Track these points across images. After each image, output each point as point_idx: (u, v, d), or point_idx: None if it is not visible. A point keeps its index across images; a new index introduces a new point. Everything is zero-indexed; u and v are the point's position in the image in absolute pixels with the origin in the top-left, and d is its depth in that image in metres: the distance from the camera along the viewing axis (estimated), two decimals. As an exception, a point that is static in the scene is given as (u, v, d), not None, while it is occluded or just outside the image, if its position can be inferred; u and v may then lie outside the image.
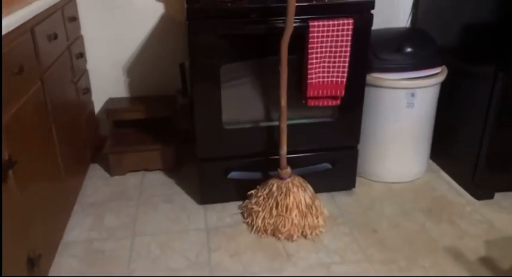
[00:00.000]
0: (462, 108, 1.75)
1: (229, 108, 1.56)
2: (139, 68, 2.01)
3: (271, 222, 1.53)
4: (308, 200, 1.55)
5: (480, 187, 1.72)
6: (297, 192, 1.54)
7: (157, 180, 1.87)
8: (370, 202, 1.71)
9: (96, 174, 1.90)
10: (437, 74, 1.71)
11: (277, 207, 1.53)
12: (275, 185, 1.55)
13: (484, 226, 1.57)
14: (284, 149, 1.53)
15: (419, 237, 1.52)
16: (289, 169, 1.56)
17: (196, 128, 1.56)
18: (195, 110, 1.53)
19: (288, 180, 1.55)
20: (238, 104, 1.59)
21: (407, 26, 2.06)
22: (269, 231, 1.53)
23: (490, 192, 1.72)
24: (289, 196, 1.52)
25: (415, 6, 2.03)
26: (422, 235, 1.53)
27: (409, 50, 1.69)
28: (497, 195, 1.72)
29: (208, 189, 1.67)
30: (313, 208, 1.55)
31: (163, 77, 2.03)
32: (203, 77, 1.49)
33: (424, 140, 1.82)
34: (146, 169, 1.92)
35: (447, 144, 1.86)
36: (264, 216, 1.54)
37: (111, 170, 1.88)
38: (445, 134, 1.85)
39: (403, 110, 1.71)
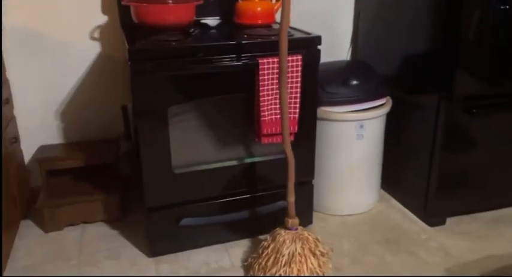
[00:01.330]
0: (409, 137, 1.78)
1: (178, 151, 1.46)
2: (75, 111, 1.86)
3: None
4: (311, 264, 1.40)
5: (432, 214, 1.74)
6: (302, 248, 1.41)
7: (100, 233, 1.70)
8: (328, 238, 1.66)
9: (28, 232, 1.70)
10: (382, 105, 1.75)
11: (277, 261, 1.40)
12: (286, 239, 1.42)
13: (441, 253, 1.57)
14: (292, 197, 1.45)
15: (381, 271, 1.49)
16: (297, 220, 1.46)
17: (143, 174, 1.44)
18: (141, 155, 1.42)
19: (295, 231, 1.44)
20: (188, 145, 1.50)
21: (348, 58, 2.10)
22: None
23: (442, 219, 1.74)
24: (293, 249, 1.40)
25: (354, 38, 2.08)
26: (383, 268, 1.50)
27: (354, 82, 1.71)
28: (449, 220, 1.75)
29: (158, 240, 1.54)
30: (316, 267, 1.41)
31: (103, 121, 1.88)
32: (149, 119, 1.39)
33: (375, 171, 1.83)
34: (85, 222, 1.74)
35: (397, 174, 1.88)
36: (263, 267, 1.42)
37: (45, 226, 1.68)
38: (394, 164, 1.87)
39: (354, 142, 1.71)
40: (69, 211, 1.69)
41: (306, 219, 1.71)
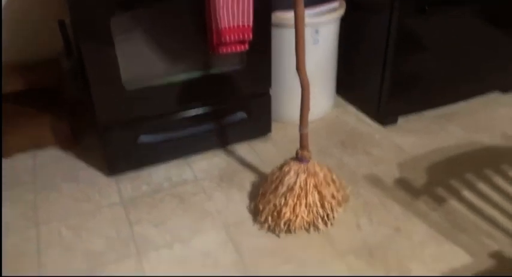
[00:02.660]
0: (363, 41, 1.77)
1: (127, 66, 1.37)
2: (8, 30, 1.67)
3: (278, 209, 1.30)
4: (311, 200, 1.30)
5: (384, 115, 1.80)
6: (305, 182, 1.30)
7: (53, 159, 1.64)
8: (287, 145, 1.69)
9: (-26, 162, 1.61)
10: (336, 9, 1.69)
11: (287, 196, 1.30)
12: (291, 169, 1.33)
13: (393, 150, 1.65)
14: (305, 128, 1.33)
15: (339, 171, 1.55)
16: (308, 153, 1.34)
17: (92, 93, 1.36)
18: (87, 72, 1.32)
19: (307, 164, 1.33)
20: (138, 60, 1.41)
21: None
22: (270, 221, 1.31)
23: (393, 118, 1.81)
24: (294, 181, 1.30)
25: None
26: (341, 169, 1.57)
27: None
28: (400, 120, 1.82)
29: (116, 159, 1.51)
30: (331, 201, 1.32)
31: (41, 39, 1.72)
32: (90, 33, 1.27)
33: (331, 76, 1.83)
34: (37, 147, 1.66)
35: (351, 79, 1.89)
36: (270, 204, 1.32)
37: (-8, 155, 1.60)
38: (349, 69, 1.88)
39: (310, 47, 1.67)
40: (16, 137, 1.60)
41: (265, 129, 1.72)
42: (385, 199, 1.42)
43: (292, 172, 1.31)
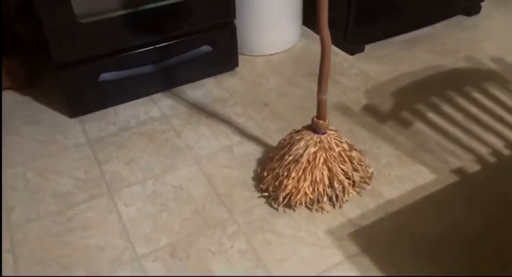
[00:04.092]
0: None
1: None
2: None
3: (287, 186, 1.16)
4: (318, 177, 1.15)
5: (352, 42, 1.78)
6: (314, 155, 1.14)
7: (12, 102, 1.56)
8: (255, 78, 1.67)
9: None
10: None
11: (291, 167, 1.15)
12: (302, 139, 1.16)
13: (361, 78, 1.65)
14: (323, 94, 1.12)
15: (307, 101, 1.55)
16: (324, 123, 1.15)
17: (44, 30, 1.27)
18: (35, 5, 1.22)
19: (324, 136, 1.16)
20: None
21: None
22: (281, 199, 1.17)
23: (360, 46, 1.80)
24: (301, 153, 1.15)
25: None
26: (309, 98, 1.56)
27: None
28: (367, 47, 1.80)
29: (78, 99, 1.45)
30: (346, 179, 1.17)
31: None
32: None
33: (297, 6, 1.77)
34: (-9, 92, 1.58)
35: (317, 6, 1.84)
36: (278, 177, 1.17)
37: None
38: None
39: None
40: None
41: (231, 63, 1.68)
42: (353, 125, 1.44)
43: (302, 143, 1.15)
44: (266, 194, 1.20)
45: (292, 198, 1.16)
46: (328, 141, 1.16)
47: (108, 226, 1.16)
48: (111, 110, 1.52)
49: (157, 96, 1.58)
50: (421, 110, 1.49)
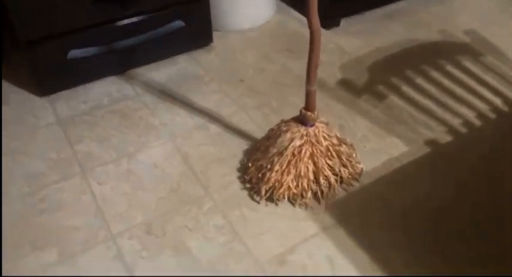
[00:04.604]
0: None
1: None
2: None
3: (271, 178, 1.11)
4: (302, 172, 1.09)
5: (327, 17, 1.75)
6: (300, 149, 1.09)
7: (-23, 82, 1.50)
8: (230, 54, 1.64)
9: None
10: None
11: (275, 160, 1.10)
12: (288, 131, 1.11)
13: (336, 52, 1.65)
14: (312, 84, 1.06)
15: (284, 76, 1.54)
16: (312, 115, 1.09)
17: (9, 7, 1.21)
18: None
19: (312, 128, 1.10)
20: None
21: None
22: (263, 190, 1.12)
23: (336, 21, 1.78)
24: (286, 145, 1.10)
25: None
26: (286, 74, 1.55)
27: None
28: (343, 22, 1.79)
29: (47, 77, 1.40)
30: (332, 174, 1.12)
31: None
32: None
33: (270, -22, 1.74)
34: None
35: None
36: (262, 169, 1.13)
37: None
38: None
39: None
40: None
41: (205, 39, 1.64)
42: (329, 100, 1.44)
43: (288, 135, 1.10)
44: (249, 186, 1.16)
45: (274, 191, 1.11)
46: (315, 134, 1.10)
47: (82, 206, 1.14)
48: (81, 88, 1.48)
49: (130, 73, 1.54)
50: (395, 84, 1.49)
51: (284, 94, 1.47)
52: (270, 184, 1.11)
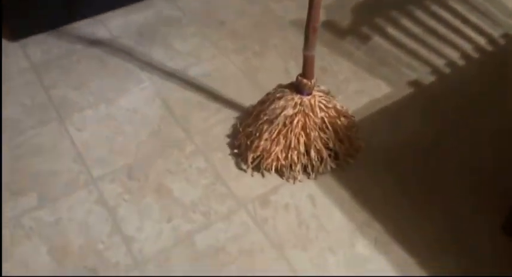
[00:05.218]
0: None
1: None
2: None
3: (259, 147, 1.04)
4: (292, 144, 1.02)
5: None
6: (291, 119, 1.01)
7: None
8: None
9: None
10: None
11: (264, 128, 1.03)
12: (282, 98, 1.02)
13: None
14: (312, 49, 0.95)
15: (265, 18, 1.49)
16: (309, 82, 0.99)
17: None
18: None
19: (308, 98, 1.01)
20: None
21: None
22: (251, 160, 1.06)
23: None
24: (277, 114, 1.01)
25: None
26: (268, 16, 1.50)
27: None
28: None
29: (18, 20, 1.33)
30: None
31: None
32: None
33: None
34: None
35: None
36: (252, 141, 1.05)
37: None
38: None
39: None
40: None
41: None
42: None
43: (281, 102, 1.01)
44: (237, 152, 1.09)
45: (262, 161, 1.04)
46: (311, 104, 1.00)
47: (61, 151, 1.12)
48: (54, 32, 1.41)
49: (105, 16, 1.47)
50: (380, 25, 1.46)
51: (266, 37, 1.42)
52: (258, 153, 1.03)
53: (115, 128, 1.17)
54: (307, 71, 0.99)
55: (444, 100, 1.24)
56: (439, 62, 1.34)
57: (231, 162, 1.10)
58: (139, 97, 1.24)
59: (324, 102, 1.02)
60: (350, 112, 1.15)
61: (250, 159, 1.05)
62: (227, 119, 1.19)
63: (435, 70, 1.32)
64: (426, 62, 1.34)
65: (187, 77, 1.30)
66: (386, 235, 0.97)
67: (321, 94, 1.03)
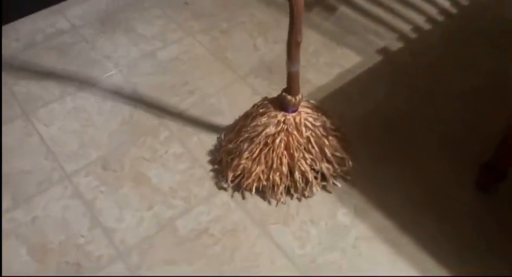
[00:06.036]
0: None
1: None
2: None
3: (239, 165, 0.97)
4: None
5: None
6: (273, 137, 0.93)
7: None
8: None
9: None
10: None
11: (245, 146, 0.96)
12: (265, 115, 0.94)
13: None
14: (296, 65, 0.88)
15: (230, -5, 1.46)
16: (294, 99, 0.90)
17: None
18: None
19: (293, 115, 0.92)
20: None
21: None
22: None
23: None
24: (260, 131, 0.93)
25: None
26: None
27: None
28: None
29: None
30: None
31: None
32: None
33: None
34: None
35: None
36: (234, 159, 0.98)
37: None
38: None
39: None
40: None
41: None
42: (278, 16, 1.38)
43: (263, 119, 0.93)
44: (218, 167, 1.02)
45: (242, 180, 0.97)
46: (295, 122, 0.92)
47: (30, 149, 1.08)
48: (9, 26, 1.35)
49: (62, 6, 1.42)
50: (345, -6, 1.45)
51: (233, 14, 1.40)
52: (238, 172, 0.96)
53: (84, 120, 1.14)
54: (291, 87, 0.90)
55: (411, 67, 1.25)
56: (405, 27, 1.34)
57: (207, 145, 1.09)
58: (106, 86, 1.21)
59: (311, 119, 0.94)
60: (322, 85, 1.14)
61: (230, 178, 0.97)
62: (200, 101, 1.17)
63: (402, 36, 1.32)
64: (392, 28, 1.34)
65: (155, 61, 1.27)
66: (365, 203, 0.98)
67: (308, 111, 0.94)
